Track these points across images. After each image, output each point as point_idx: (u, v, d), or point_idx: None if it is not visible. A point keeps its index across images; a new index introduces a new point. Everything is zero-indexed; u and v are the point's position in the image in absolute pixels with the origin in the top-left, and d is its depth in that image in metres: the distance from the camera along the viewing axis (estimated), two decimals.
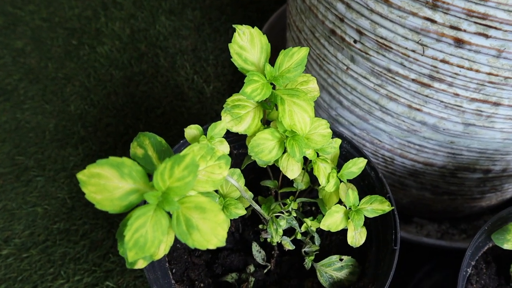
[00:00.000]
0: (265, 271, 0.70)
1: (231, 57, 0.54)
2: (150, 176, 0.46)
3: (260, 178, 0.77)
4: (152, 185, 0.37)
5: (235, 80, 1.31)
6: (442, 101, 0.68)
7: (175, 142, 1.17)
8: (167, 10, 1.53)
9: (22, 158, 1.16)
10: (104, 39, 1.44)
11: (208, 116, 1.23)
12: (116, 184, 0.36)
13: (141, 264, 0.41)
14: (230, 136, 0.75)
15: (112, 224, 1.04)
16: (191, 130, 0.55)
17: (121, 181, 0.36)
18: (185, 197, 0.38)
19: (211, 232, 0.36)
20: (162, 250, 0.40)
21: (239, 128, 0.57)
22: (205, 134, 0.57)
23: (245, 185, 0.65)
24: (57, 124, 1.23)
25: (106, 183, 0.36)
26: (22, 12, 1.53)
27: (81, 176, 0.36)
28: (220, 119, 0.56)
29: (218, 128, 0.55)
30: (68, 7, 1.54)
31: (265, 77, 0.54)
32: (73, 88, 1.31)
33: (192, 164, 0.35)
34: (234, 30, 0.54)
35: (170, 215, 0.38)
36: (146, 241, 0.35)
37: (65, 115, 1.25)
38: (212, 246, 0.36)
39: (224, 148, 0.54)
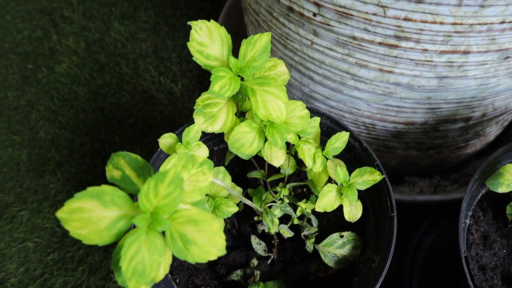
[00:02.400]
0: (268, 261, 0.69)
1: (192, 56, 0.52)
2: (133, 197, 0.44)
3: (246, 170, 0.76)
4: (138, 206, 0.36)
5: (202, 74, 1.29)
6: (412, 59, 0.67)
7: (153, 149, 1.14)
8: (119, 15, 1.48)
9: (1, 195, 1.12)
10: (60, 57, 1.39)
11: (182, 115, 1.20)
12: (100, 215, 0.34)
13: None
14: (207, 134, 0.74)
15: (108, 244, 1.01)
16: (166, 140, 0.53)
17: (105, 210, 0.34)
18: (175, 212, 0.36)
19: (209, 243, 0.35)
20: (162, 270, 0.38)
21: (215, 128, 0.56)
22: (180, 140, 0.55)
23: (232, 179, 0.63)
24: (29, 153, 1.19)
25: (90, 215, 0.34)
26: None
27: (61, 214, 0.34)
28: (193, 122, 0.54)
29: (193, 132, 0.53)
30: (16, 31, 1.48)
31: (231, 71, 0.52)
32: (38, 113, 1.26)
33: (176, 179, 0.33)
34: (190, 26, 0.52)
35: (163, 233, 0.36)
36: (144, 267, 0.33)
37: (36, 142, 1.20)
38: (213, 257, 0.35)
39: (203, 151, 0.52)
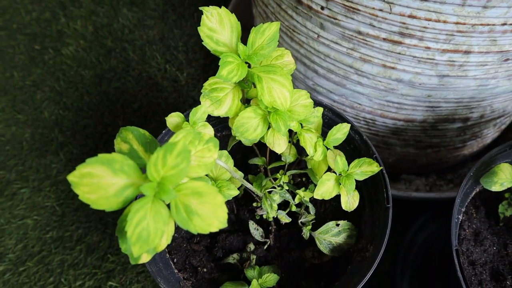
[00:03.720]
0: (265, 247, 0.71)
1: (202, 41, 0.54)
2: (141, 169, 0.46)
3: (247, 157, 0.78)
4: (146, 177, 0.37)
5: (208, 64, 1.30)
6: (415, 56, 0.69)
7: (157, 134, 1.15)
8: (128, 2, 1.50)
9: (3, 172, 1.13)
10: (67, 40, 1.40)
11: (186, 103, 1.22)
12: (109, 181, 0.36)
13: (145, 258, 0.41)
14: (211, 120, 0.75)
15: (106, 224, 1.03)
16: (173, 118, 0.55)
17: (114, 177, 0.36)
18: (180, 184, 0.38)
19: (211, 215, 0.36)
20: (164, 240, 0.40)
21: (220, 111, 0.57)
22: (187, 121, 0.56)
23: (234, 165, 0.65)
24: (33, 133, 1.20)
25: (99, 181, 0.36)
26: None
27: (72, 177, 0.35)
28: (199, 105, 0.56)
29: (200, 113, 0.54)
30: (25, 12, 1.49)
31: (239, 57, 0.54)
32: (43, 94, 1.28)
33: (184, 150, 0.35)
34: (200, 13, 0.53)
35: (167, 205, 0.38)
36: (149, 234, 0.35)
37: (40, 122, 1.22)
38: (214, 229, 0.37)
39: (209, 131, 0.54)
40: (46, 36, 1.42)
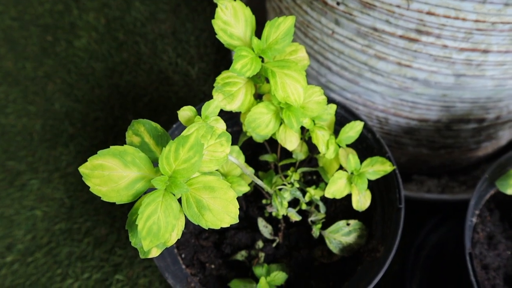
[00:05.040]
0: (273, 245, 0.70)
1: (216, 34, 0.53)
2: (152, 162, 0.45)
3: (257, 153, 0.77)
4: (157, 170, 0.37)
5: (219, 59, 1.29)
6: (431, 55, 0.68)
7: (167, 128, 1.15)
8: None
9: (13, 163, 1.14)
10: (79, 32, 1.40)
11: (196, 98, 1.21)
12: (120, 174, 0.35)
13: (155, 253, 0.40)
14: (221, 115, 0.74)
15: (114, 218, 1.03)
16: (185, 112, 0.54)
17: (125, 170, 0.35)
18: (192, 178, 0.37)
19: (223, 211, 0.36)
20: (174, 235, 0.39)
21: (233, 106, 0.57)
22: (199, 115, 0.56)
23: (244, 161, 0.64)
24: (43, 124, 1.20)
25: (110, 173, 0.35)
26: None
27: (83, 169, 0.35)
28: (210, 99, 0.55)
29: (212, 107, 0.54)
30: (38, 3, 1.49)
31: (253, 51, 0.53)
32: (54, 85, 1.28)
33: (197, 144, 0.34)
34: (213, 7, 0.52)
35: (178, 199, 0.37)
36: (159, 228, 0.34)
37: (51, 114, 1.22)
38: (225, 224, 0.36)
39: (221, 125, 0.53)
40: (59, 27, 1.42)
